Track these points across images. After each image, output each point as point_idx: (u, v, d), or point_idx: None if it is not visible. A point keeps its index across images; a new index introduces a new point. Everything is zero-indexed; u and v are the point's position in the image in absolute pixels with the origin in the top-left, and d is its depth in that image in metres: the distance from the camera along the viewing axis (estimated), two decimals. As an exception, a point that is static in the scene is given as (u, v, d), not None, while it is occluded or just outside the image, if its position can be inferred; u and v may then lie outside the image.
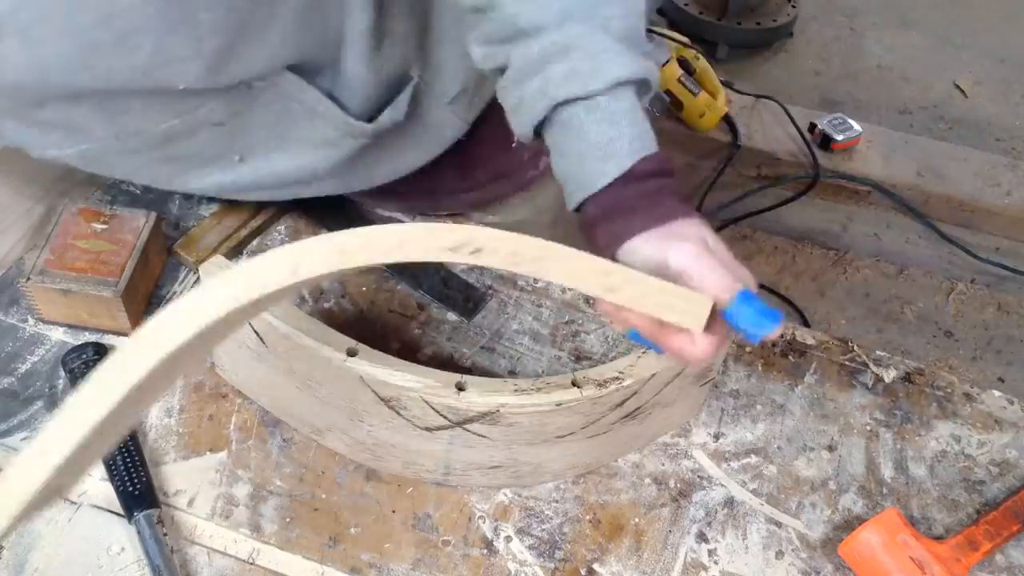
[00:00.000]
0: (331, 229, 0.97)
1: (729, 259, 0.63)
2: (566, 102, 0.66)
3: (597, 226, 0.65)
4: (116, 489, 0.77)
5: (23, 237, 0.93)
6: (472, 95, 0.93)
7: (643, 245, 0.63)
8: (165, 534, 0.75)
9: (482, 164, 0.99)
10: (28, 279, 0.84)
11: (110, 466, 0.78)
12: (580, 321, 0.94)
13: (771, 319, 0.60)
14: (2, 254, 0.91)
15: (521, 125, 0.70)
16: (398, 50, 0.83)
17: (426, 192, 1.00)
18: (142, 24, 0.66)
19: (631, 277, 0.58)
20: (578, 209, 0.68)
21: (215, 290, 0.53)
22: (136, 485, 0.76)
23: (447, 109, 0.91)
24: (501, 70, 0.71)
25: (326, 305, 0.93)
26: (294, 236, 0.98)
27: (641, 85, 0.67)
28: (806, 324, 1.98)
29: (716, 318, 0.60)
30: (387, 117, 0.86)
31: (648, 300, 0.58)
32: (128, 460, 0.78)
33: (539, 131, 0.70)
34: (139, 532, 0.74)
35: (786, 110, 2.11)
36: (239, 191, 0.92)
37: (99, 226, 0.88)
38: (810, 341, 0.96)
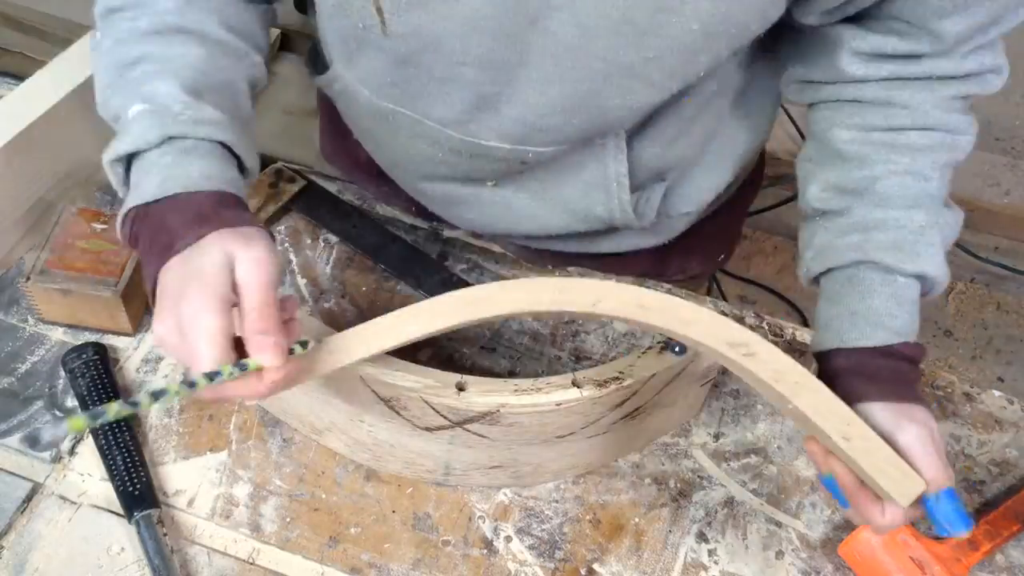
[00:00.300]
0: (331, 230, 0.98)
1: (944, 454, 0.67)
2: (870, 263, 0.71)
3: (840, 376, 0.70)
4: (116, 489, 0.77)
5: (23, 237, 0.93)
6: (692, 217, 0.95)
7: (878, 412, 0.67)
8: (165, 534, 0.75)
9: (635, 263, 0.99)
10: (28, 279, 0.84)
11: (110, 466, 0.78)
12: (580, 321, 0.94)
13: (965, 523, 0.66)
14: (2, 254, 0.91)
15: (814, 263, 0.76)
16: (679, 149, 0.85)
17: (563, 258, 0.99)
18: (645, 71, 0.69)
19: (868, 435, 0.64)
20: (821, 354, 0.74)
21: (523, 289, 0.64)
22: (136, 485, 0.76)
23: (666, 219, 0.93)
24: (824, 212, 0.76)
25: (326, 305, 0.93)
26: (294, 236, 0.98)
27: (931, 285, 0.73)
28: (806, 324, 1.98)
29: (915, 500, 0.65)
30: (642, 213, 0.88)
31: (871, 459, 0.63)
32: (128, 460, 0.78)
33: (821, 273, 0.76)
34: (139, 532, 0.74)
35: (786, 110, 2.10)
36: (444, 203, 0.93)
37: (99, 226, 0.88)
38: (810, 341, 0.96)
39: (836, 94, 0.76)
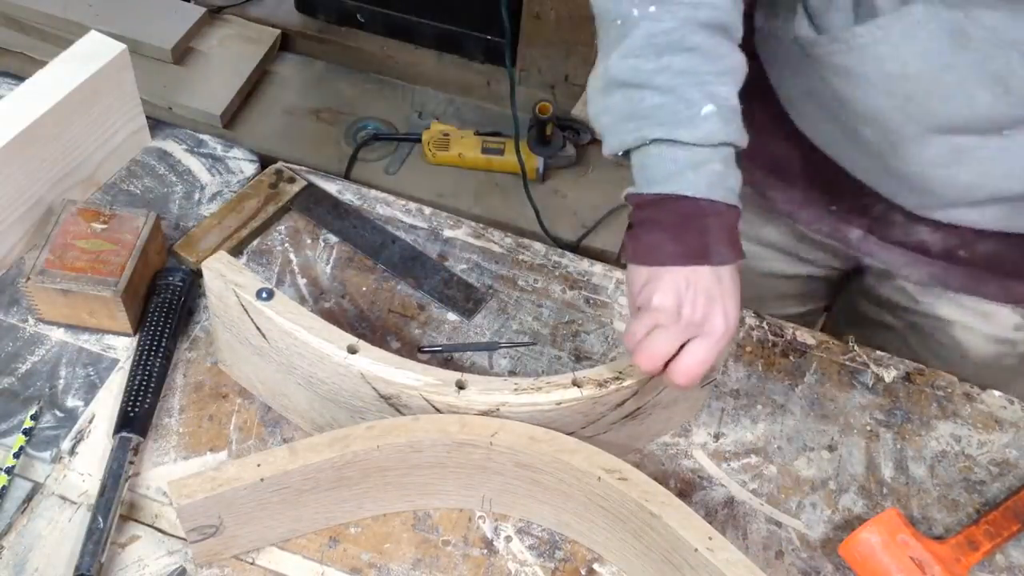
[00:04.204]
0: (331, 230, 0.98)
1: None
2: None
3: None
4: (120, 408, 0.80)
5: (23, 237, 0.93)
6: None
7: None
8: (132, 462, 0.77)
9: None
10: (28, 279, 0.84)
11: (128, 384, 0.81)
12: (580, 321, 0.94)
13: None
14: (2, 254, 0.91)
15: None
16: None
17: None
18: None
19: (727, 546, 0.70)
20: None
21: (433, 423, 0.73)
22: (135, 408, 0.79)
23: None
24: None
25: (327, 305, 0.93)
26: (294, 236, 0.98)
27: None
28: (806, 324, 1.98)
29: None
30: None
31: (732, 568, 0.69)
32: (144, 383, 0.81)
33: None
34: (112, 449, 0.77)
35: (786, 111, 2.10)
36: (939, 163, 0.84)
37: (99, 226, 0.88)
38: (810, 341, 0.96)
39: None
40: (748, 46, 0.77)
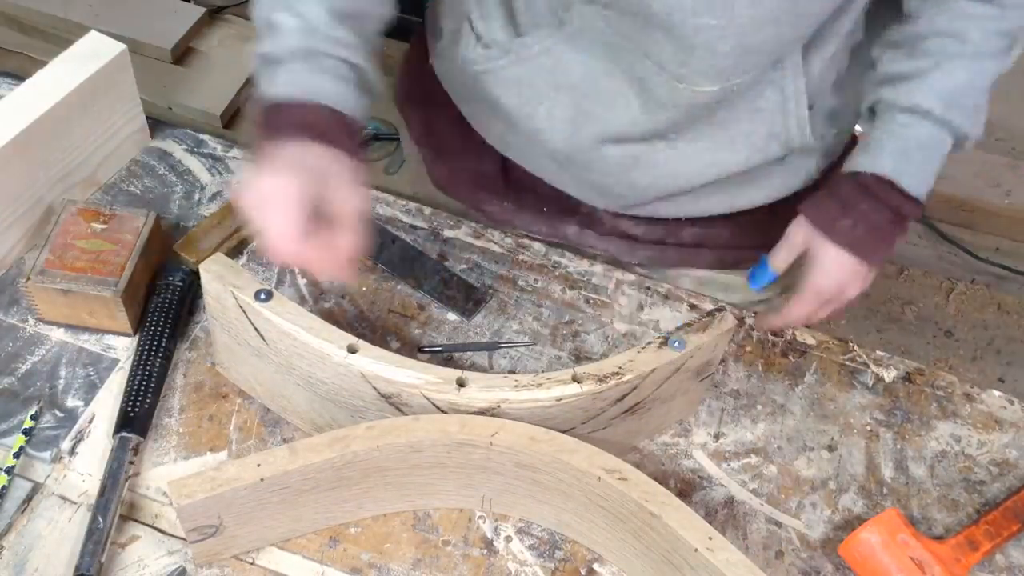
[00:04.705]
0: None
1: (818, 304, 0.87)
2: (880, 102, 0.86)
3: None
4: (120, 408, 0.80)
5: (23, 237, 0.93)
6: (844, 138, 0.98)
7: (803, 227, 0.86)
8: (132, 463, 0.77)
9: (753, 231, 0.98)
10: (28, 279, 0.84)
11: (128, 385, 0.82)
12: (580, 321, 0.94)
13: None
14: (2, 254, 0.91)
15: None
16: (832, 72, 0.87)
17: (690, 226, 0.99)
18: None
19: (728, 546, 0.70)
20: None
21: (433, 422, 0.73)
22: (135, 409, 0.79)
23: (825, 141, 0.94)
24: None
25: (326, 305, 0.93)
26: (294, 236, 0.97)
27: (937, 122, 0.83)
28: (807, 324, 1.98)
29: None
30: (814, 130, 0.88)
31: (733, 569, 0.69)
32: (144, 383, 0.81)
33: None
34: (112, 449, 0.77)
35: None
36: (620, 170, 0.92)
37: (99, 226, 0.88)
38: (810, 341, 0.96)
39: None
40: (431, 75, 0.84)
